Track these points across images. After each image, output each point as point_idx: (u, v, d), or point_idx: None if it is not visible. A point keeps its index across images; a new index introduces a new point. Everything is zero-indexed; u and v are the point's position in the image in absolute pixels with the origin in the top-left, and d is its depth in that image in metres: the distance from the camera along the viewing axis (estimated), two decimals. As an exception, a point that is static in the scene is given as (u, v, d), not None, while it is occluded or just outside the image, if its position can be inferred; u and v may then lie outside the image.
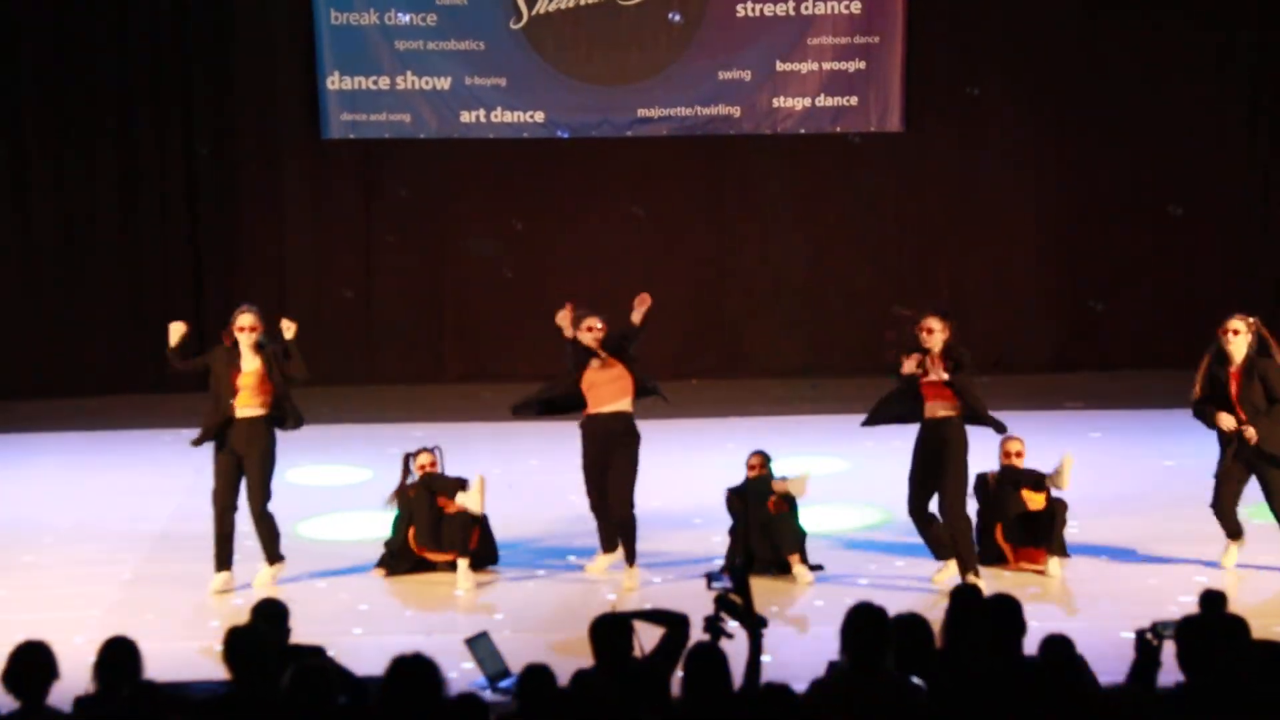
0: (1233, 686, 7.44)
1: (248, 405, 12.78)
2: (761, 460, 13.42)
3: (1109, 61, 20.56)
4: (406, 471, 13.55)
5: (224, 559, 12.83)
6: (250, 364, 12.90)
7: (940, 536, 12.58)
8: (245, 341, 12.97)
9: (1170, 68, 20.48)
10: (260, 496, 12.78)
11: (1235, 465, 12.59)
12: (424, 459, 13.55)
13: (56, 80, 20.08)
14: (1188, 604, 11.71)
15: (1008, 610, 8.19)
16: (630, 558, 12.89)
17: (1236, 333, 12.52)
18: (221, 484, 12.75)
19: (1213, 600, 8.67)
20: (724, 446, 16.82)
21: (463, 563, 13.06)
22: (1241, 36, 20.52)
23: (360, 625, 12.36)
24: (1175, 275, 20.69)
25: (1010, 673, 7.87)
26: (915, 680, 7.60)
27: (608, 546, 13.03)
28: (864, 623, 7.59)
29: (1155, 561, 13.05)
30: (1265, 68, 20.57)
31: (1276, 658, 8.37)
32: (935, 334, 12.65)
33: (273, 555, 12.92)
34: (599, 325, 12.96)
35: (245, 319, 13.04)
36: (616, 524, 12.88)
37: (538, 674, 7.80)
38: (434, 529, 13.20)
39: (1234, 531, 12.74)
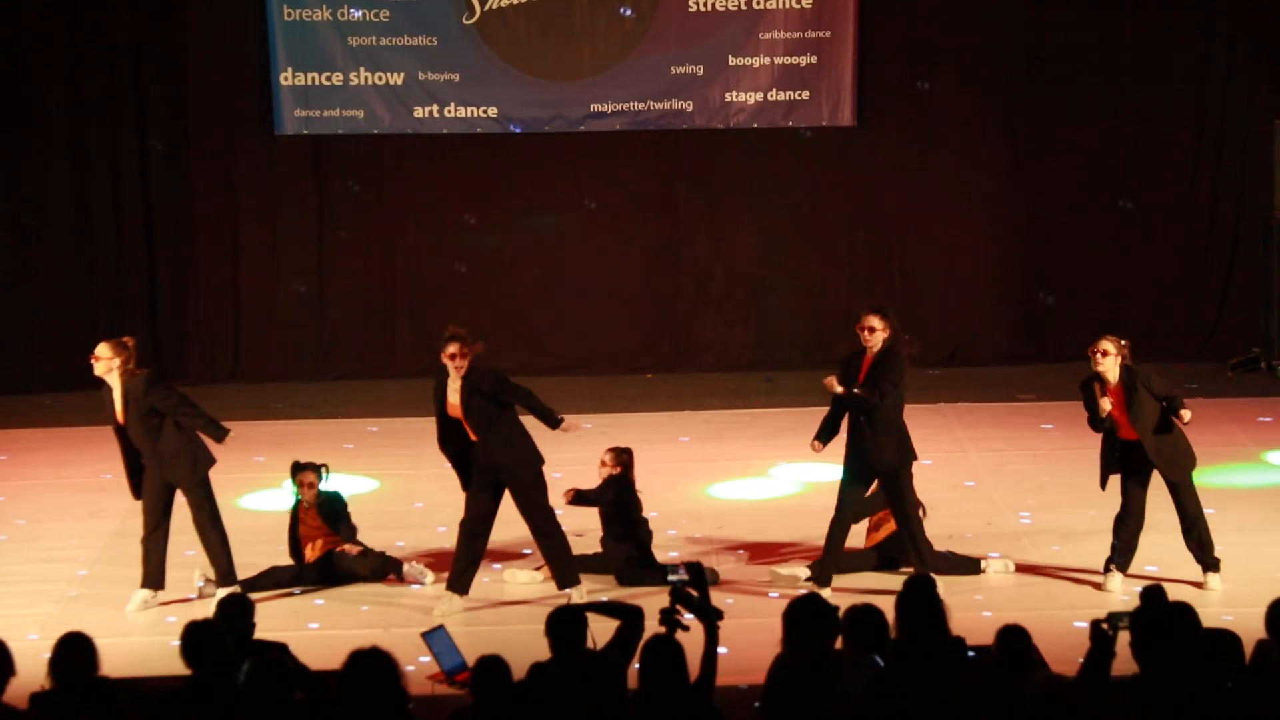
0: (1186, 675, 7.48)
1: None
2: (614, 458, 13.23)
3: (1059, 57, 20.60)
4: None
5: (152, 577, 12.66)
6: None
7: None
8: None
9: (1119, 63, 20.53)
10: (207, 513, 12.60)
11: (1133, 482, 12.58)
12: (308, 477, 13.22)
13: (8, 76, 19.96)
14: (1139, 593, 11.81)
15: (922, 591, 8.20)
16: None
17: (1106, 354, 12.45)
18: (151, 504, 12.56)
19: (1153, 595, 8.72)
20: (677, 440, 16.88)
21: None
22: (1187, 34, 20.58)
23: (317, 620, 12.37)
24: (1124, 268, 20.74)
25: (964, 661, 7.90)
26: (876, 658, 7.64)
27: (464, 586, 12.50)
28: (804, 614, 7.63)
29: (1107, 552, 13.08)
30: (1211, 64, 20.62)
31: (1227, 644, 8.46)
32: (876, 333, 12.53)
33: (225, 577, 12.61)
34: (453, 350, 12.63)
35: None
36: (549, 548, 12.48)
37: (492, 665, 7.81)
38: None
39: (1126, 563, 12.70)
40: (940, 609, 7.93)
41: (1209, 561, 12.62)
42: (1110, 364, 12.44)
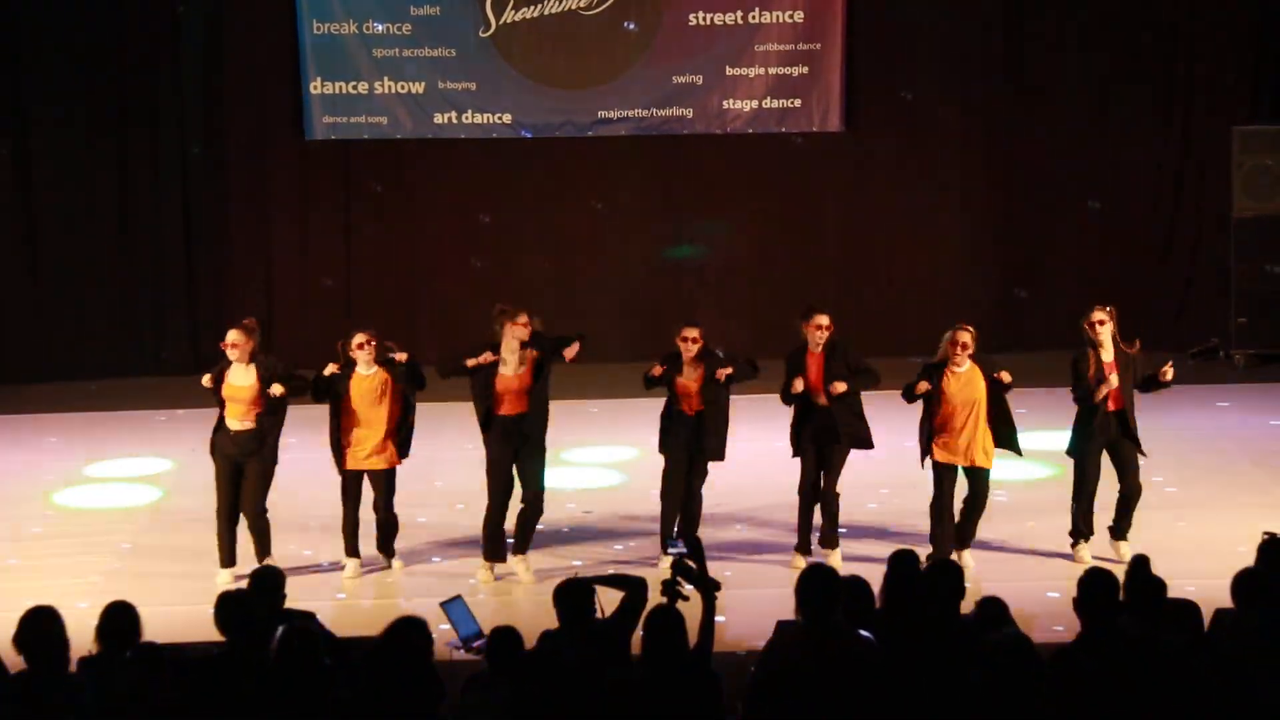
0: (1151, 638, 7.49)
1: (238, 419, 12.55)
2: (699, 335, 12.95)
3: (1033, 69, 20.59)
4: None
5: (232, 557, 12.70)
6: (242, 379, 12.60)
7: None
8: (231, 357, 12.58)
9: (1089, 74, 20.51)
10: (257, 500, 12.60)
11: (1097, 453, 12.63)
12: (360, 338, 12.79)
13: (60, 85, 19.95)
14: (1103, 564, 11.81)
15: (949, 575, 8.21)
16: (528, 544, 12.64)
17: (1103, 322, 12.47)
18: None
19: (1139, 564, 8.73)
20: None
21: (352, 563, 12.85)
22: (1153, 49, 20.56)
23: (343, 591, 12.37)
24: (1093, 264, 20.73)
25: (947, 631, 7.90)
26: (864, 634, 7.63)
27: (502, 555, 12.57)
28: (816, 583, 7.62)
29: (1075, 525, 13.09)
30: (1175, 77, 20.61)
31: (1187, 613, 8.46)
32: (827, 329, 12.70)
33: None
34: (524, 320, 12.53)
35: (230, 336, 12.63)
36: (531, 505, 12.54)
37: (505, 635, 7.80)
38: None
39: (1090, 530, 12.74)
40: (923, 584, 7.94)
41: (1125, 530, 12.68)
42: (1107, 333, 12.43)
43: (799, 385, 12.63)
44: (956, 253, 20.96)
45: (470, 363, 12.44)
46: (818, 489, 12.76)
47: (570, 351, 12.68)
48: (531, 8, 20.34)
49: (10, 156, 20.00)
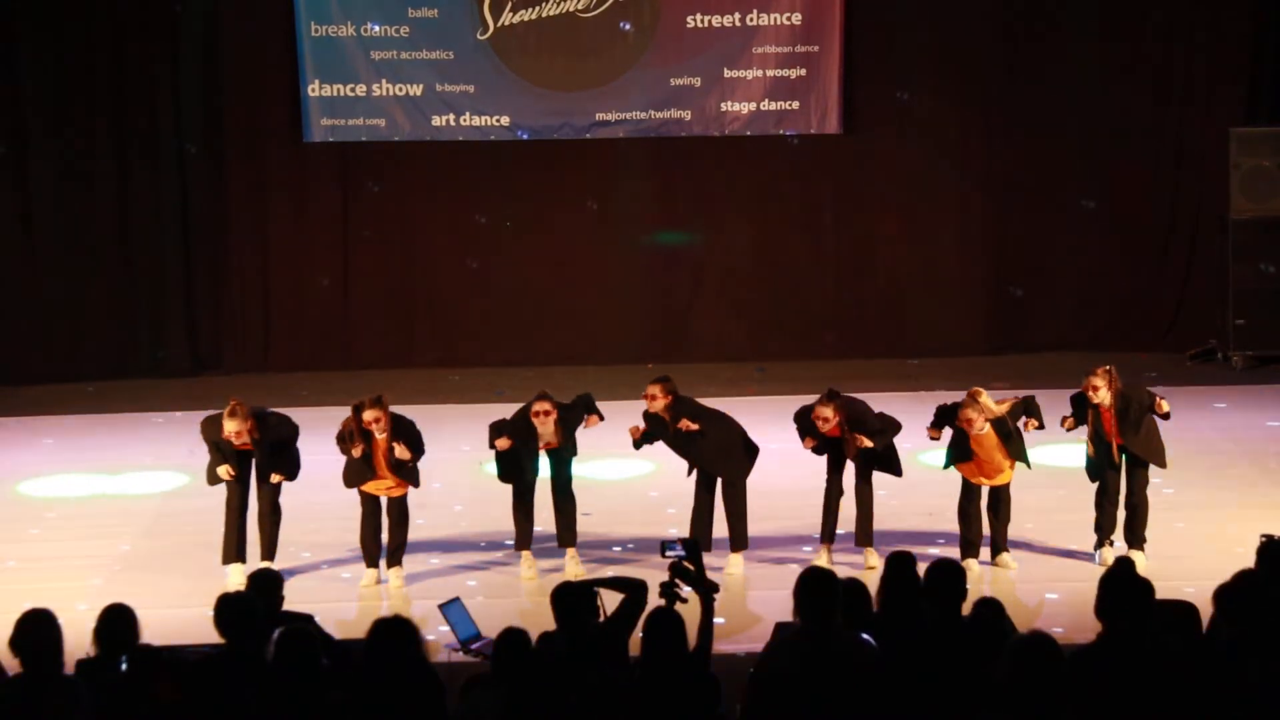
0: (1140, 639, 7.48)
1: None
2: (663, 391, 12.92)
3: (1029, 70, 20.57)
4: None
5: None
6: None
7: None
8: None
9: (1085, 76, 20.50)
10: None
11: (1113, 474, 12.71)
12: (370, 415, 12.51)
13: (57, 84, 19.93)
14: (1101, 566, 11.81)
15: (951, 575, 8.20)
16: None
17: (1097, 389, 12.47)
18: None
19: (1124, 563, 8.73)
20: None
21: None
22: (1150, 50, 20.57)
23: (341, 593, 12.37)
24: (1089, 265, 20.73)
25: (944, 633, 7.89)
26: (864, 637, 7.61)
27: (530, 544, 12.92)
28: (815, 585, 7.59)
29: (1073, 528, 13.09)
30: (1172, 78, 20.61)
31: (1184, 614, 8.46)
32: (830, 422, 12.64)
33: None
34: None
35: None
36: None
37: (515, 637, 7.77)
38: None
39: (1113, 529, 12.81)
40: (918, 586, 7.92)
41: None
42: (1104, 394, 12.47)
43: (809, 444, 12.72)
44: (953, 253, 20.95)
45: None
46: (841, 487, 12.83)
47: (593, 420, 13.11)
48: (529, 10, 20.33)
49: (7, 157, 19.98)
